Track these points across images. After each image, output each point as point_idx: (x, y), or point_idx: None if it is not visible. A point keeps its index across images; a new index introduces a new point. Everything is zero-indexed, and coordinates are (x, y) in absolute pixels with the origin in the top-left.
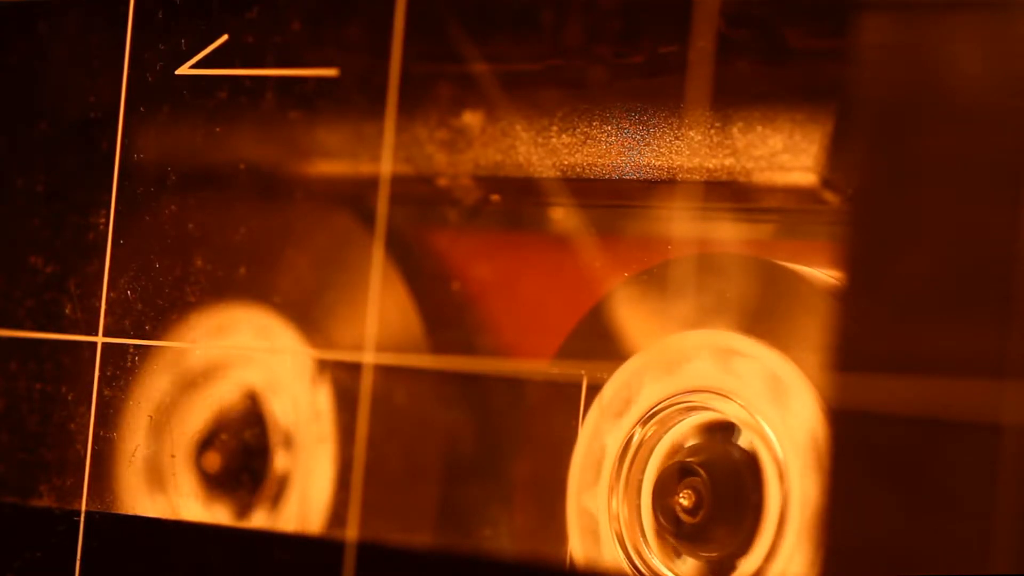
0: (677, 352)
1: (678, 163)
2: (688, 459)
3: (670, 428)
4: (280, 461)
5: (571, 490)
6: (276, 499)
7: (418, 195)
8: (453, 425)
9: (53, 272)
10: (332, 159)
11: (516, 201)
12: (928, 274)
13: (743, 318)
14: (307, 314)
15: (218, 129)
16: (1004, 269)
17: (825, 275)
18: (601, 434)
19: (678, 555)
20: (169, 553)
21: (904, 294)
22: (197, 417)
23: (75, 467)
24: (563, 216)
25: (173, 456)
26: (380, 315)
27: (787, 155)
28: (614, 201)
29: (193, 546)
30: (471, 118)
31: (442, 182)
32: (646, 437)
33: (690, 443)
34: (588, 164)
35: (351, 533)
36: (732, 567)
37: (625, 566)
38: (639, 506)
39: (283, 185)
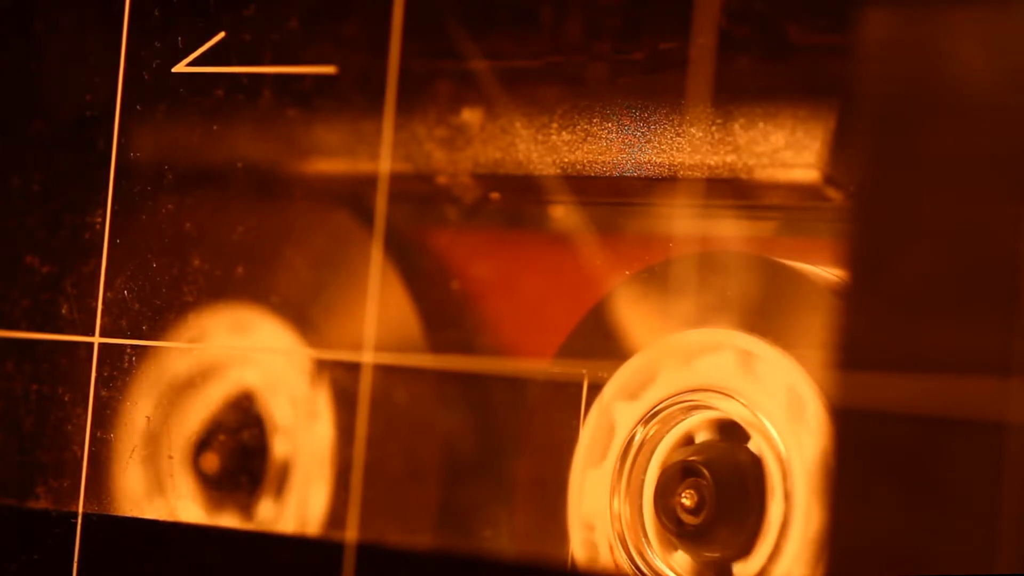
0: (683, 351)
1: (679, 160)
2: (690, 459)
3: (672, 427)
4: (279, 462)
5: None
6: (275, 500)
7: (417, 193)
8: (453, 425)
9: (49, 272)
10: (330, 157)
11: (516, 199)
12: (931, 271)
13: (745, 316)
14: (306, 314)
15: (215, 127)
16: (1008, 266)
17: (827, 273)
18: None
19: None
20: (167, 555)
21: (907, 292)
22: (195, 418)
23: (72, 468)
24: (563, 214)
25: (171, 457)
26: (379, 314)
27: (789, 152)
28: (615, 199)
29: (191, 548)
30: (470, 115)
31: (441, 180)
32: (648, 436)
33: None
34: (588, 161)
35: (351, 534)
36: (735, 567)
37: (627, 567)
38: (641, 506)
39: (281, 184)
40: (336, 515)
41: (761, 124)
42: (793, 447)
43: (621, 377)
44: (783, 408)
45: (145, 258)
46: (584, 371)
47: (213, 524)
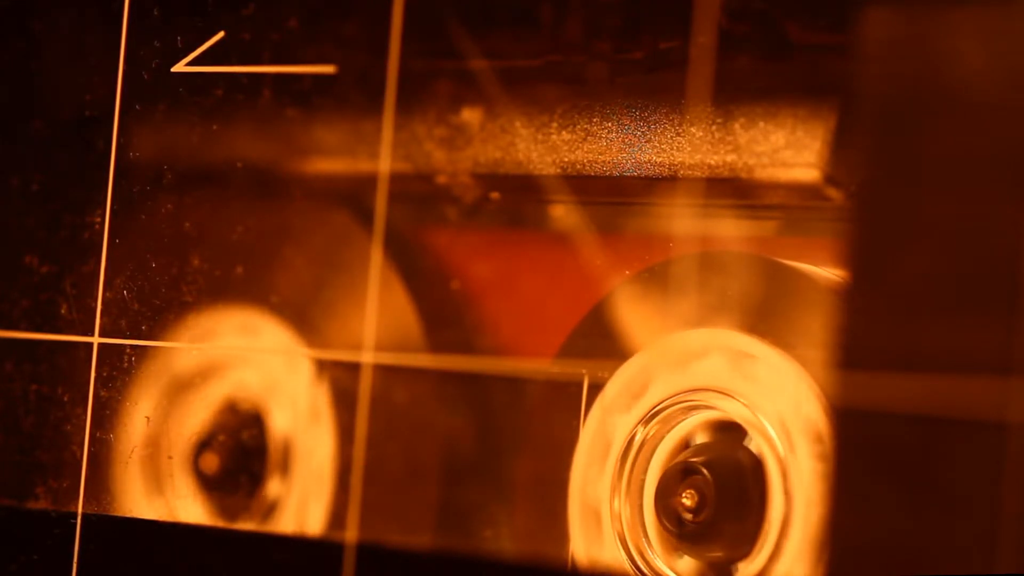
0: (683, 351)
1: (679, 160)
2: (691, 459)
3: (672, 427)
4: (278, 462)
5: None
6: (275, 501)
7: (417, 193)
8: (453, 425)
9: (49, 272)
10: (330, 157)
11: (516, 199)
12: (932, 271)
13: (746, 316)
14: (305, 314)
15: (215, 127)
16: (1009, 266)
17: (828, 272)
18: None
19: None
20: (167, 556)
21: (908, 291)
22: (194, 418)
23: (71, 469)
24: (563, 214)
25: (170, 457)
26: (379, 314)
27: (789, 151)
28: (615, 198)
29: (191, 548)
30: (470, 115)
31: (441, 180)
32: (648, 436)
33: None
34: (588, 161)
35: (350, 534)
36: (736, 567)
37: (627, 566)
38: (641, 506)
39: (281, 183)
40: (336, 515)
41: (761, 123)
42: (791, 448)
43: (614, 387)
44: (782, 409)
45: (144, 258)
46: (584, 371)
47: (213, 524)
